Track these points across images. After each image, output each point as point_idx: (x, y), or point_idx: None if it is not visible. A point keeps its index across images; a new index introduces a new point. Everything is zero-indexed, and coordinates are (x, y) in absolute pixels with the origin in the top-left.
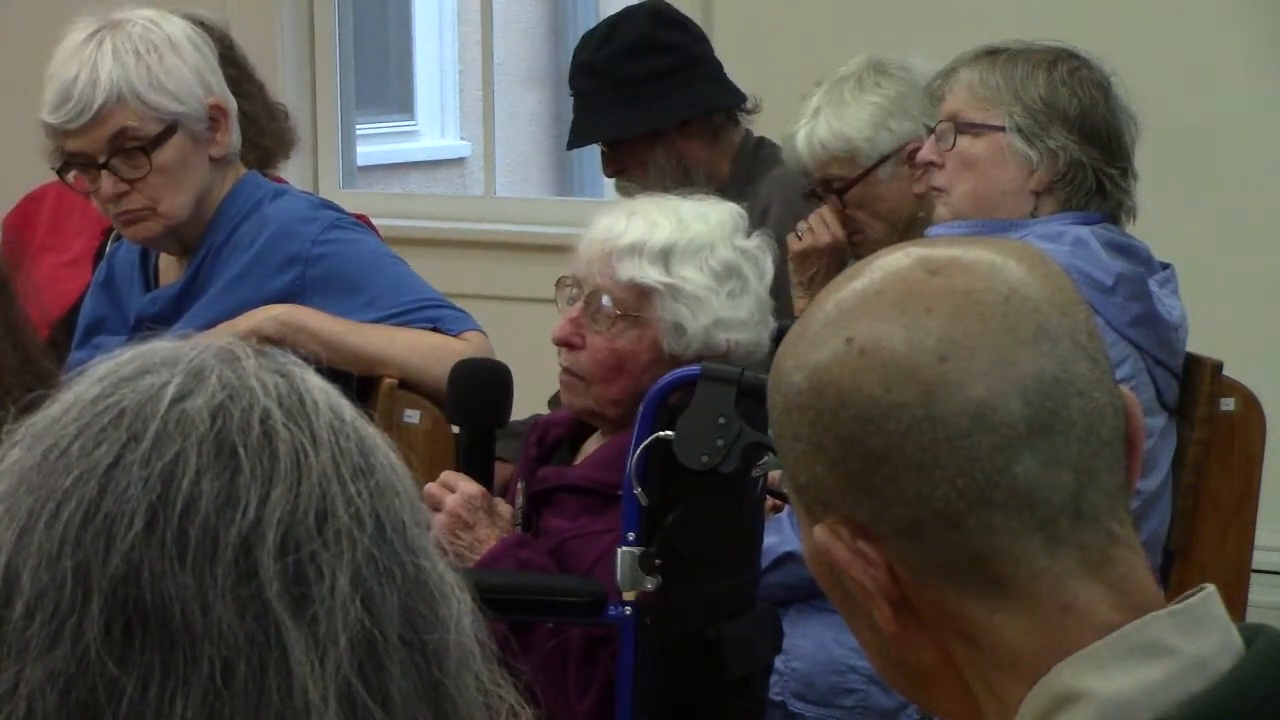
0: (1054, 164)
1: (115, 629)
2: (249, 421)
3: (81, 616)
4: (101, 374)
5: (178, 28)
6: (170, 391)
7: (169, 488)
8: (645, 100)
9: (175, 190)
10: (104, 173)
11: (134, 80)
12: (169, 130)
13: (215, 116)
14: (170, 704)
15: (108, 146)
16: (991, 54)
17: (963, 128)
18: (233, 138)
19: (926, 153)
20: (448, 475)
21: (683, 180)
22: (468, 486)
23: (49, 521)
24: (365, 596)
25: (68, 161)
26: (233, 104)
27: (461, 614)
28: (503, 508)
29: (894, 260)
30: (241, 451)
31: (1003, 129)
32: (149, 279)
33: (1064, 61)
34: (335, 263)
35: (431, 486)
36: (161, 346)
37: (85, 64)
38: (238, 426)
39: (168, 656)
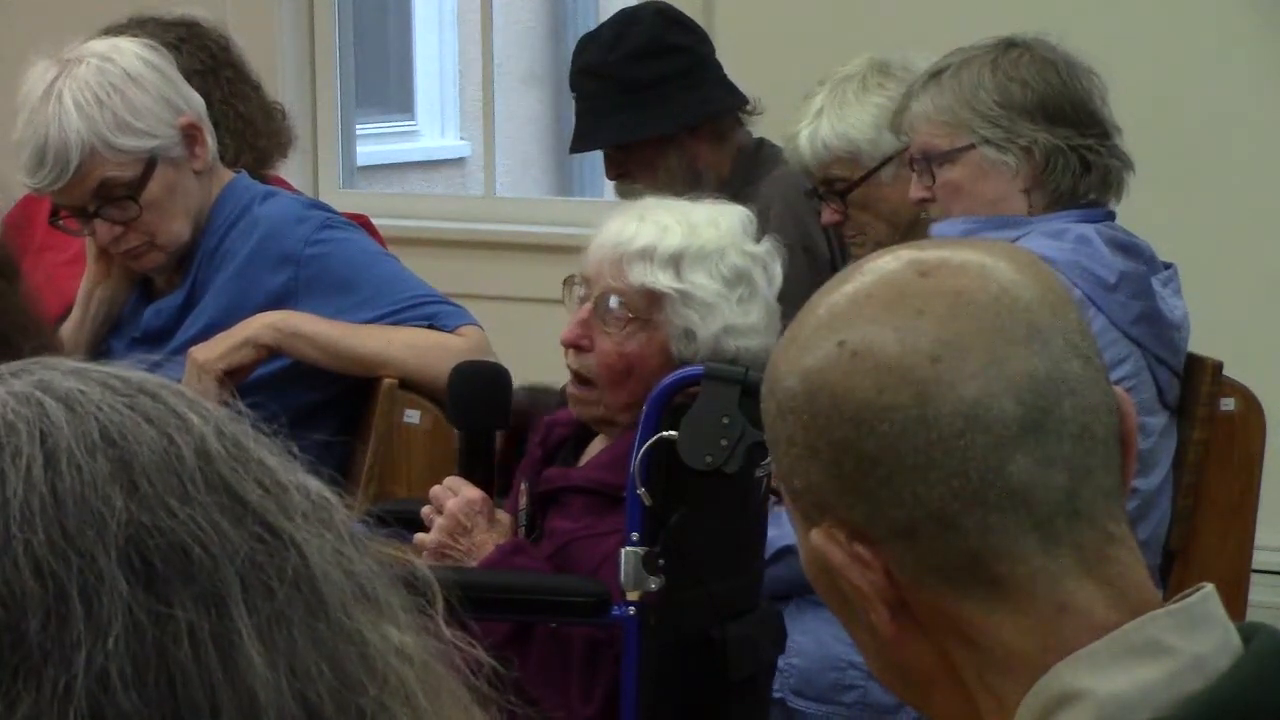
0: (1031, 160)
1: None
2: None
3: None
4: None
5: (131, 57)
6: None
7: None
8: (655, 103)
9: (169, 220)
10: (97, 221)
11: (103, 131)
12: (149, 167)
13: (190, 134)
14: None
15: (93, 198)
16: (935, 76)
17: (936, 159)
18: (210, 145)
19: (916, 193)
20: (452, 480)
21: (693, 183)
22: (469, 491)
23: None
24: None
25: (57, 209)
26: (202, 108)
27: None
28: (502, 515)
29: (885, 263)
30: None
31: (972, 146)
32: (146, 283)
33: (1004, 55)
34: (328, 263)
35: (436, 489)
36: None
37: (51, 123)
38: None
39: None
